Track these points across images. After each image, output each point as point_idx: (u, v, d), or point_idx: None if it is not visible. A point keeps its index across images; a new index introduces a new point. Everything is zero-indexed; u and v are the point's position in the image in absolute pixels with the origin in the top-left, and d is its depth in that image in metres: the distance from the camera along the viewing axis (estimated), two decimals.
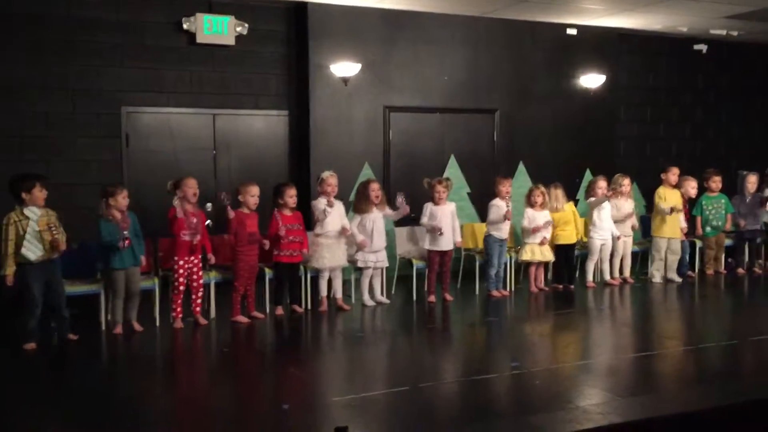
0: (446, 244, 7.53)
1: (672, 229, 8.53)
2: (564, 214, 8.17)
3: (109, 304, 6.44)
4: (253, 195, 6.79)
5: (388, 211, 7.45)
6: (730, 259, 9.36)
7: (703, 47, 10.99)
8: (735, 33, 10.49)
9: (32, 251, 5.77)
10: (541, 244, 7.94)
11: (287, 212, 7.00)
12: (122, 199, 6.28)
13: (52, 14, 7.78)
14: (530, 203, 8.00)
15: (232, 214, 6.64)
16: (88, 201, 7.38)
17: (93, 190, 7.54)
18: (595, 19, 9.69)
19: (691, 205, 9.01)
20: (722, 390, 4.86)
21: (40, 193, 5.84)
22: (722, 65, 11.41)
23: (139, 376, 5.43)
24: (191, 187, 6.52)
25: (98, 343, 6.18)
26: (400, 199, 7.29)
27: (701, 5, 8.90)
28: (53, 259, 5.92)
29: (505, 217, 7.67)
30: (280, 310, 7.03)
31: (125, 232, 6.23)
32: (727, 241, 9.27)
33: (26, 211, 5.80)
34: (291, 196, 7.00)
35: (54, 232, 5.81)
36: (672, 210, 8.37)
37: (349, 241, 7.32)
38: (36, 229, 5.80)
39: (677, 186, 8.67)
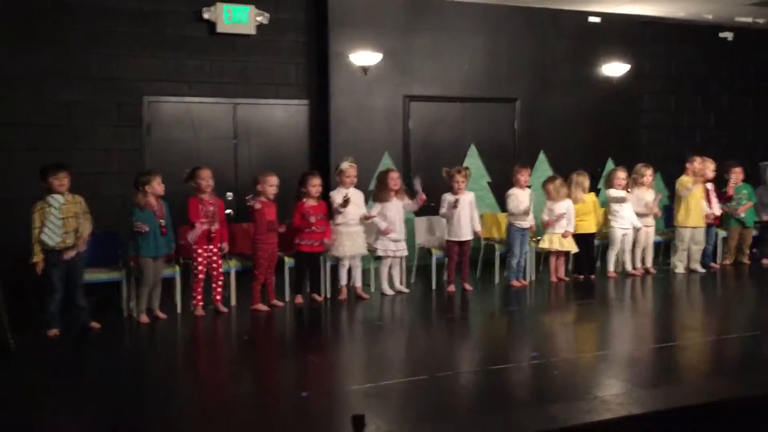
0: (465, 234, 7.51)
1: (695, 218, 8.42)
2: (584, 204, 8.11)
3: (132, 292, 6.51)
4: (271, 185, 6.81)
5: (407, 201, 7.43)
6: (755, 250, 9.24)
7: (729, 35, 10.82)
8: (761, 20, 10.31)
9: (51, 237, 5.85)
10: (564, 236, 7.89)
11: (311, 201, 7.01)
12: (158, 185, 6.33)
13: (73, 4, 7.84)
14: (548, 194, 7.94)
15: (258, 205, 6.67)
16: (110, 190, 7.48)
17: (115, 179, 7.65)
18: (618, 6, 9.57)
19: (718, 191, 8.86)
20: (744, 381, 4.80)
21: (55, 180, 5.91)
22: (748, 53, 11.22)
23: (160, 363, 5.49)
24: (204, 178, 6.56)
25: (120, 330, 6.26)
26: (417, 184, 7.29)
27: None
28: (74, 246, 5.98)
29: (525, 212, 7.65)
30: (299, 299, 7.06)
31: (162, 221, 6.28)
32: (753, 232, 9.15)
33: (50, 199, 5.91)
34: (314, 185, 7.00)
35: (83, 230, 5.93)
36: (693, 184, 8.23)
37: (368, 229, 7.33)
38: (58, 216, 5.88)
39: (700, 174, 8.54)
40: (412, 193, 7.44)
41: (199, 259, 6.55)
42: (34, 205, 5.88)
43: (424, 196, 7.35)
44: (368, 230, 7.36)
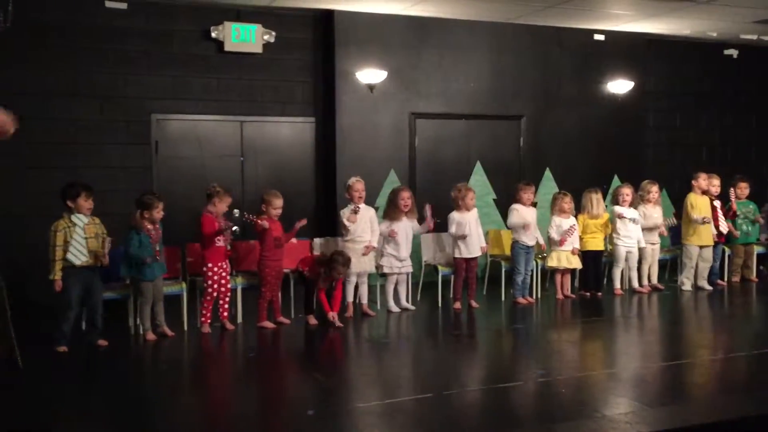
0: (474, 250, 7.53)
1: (704, 236, 8.41)
2: (599, 221, 8.09)
3: (137, 311, 6.51)
4: (276, 207, 6.81)
5: (416, 224, 7.43)
6: (761, 267, 9.21)
7: (734, 52, 10.85)
8: (766, 38, 10.34)
9: (77, 257, 5.94)
10: (573, 253, 7.89)
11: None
12: (157, 213, 6.35)
13: (83, 22, 7.93)
14: (558, 210, 7.94)
15: (266, 224, 6.68)
16: (119, 208, 7.49)
17: (123, 196, 7.68)
18: (623, 24, 9.62)
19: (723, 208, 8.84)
20: (753, 400, 4.78)
21: (85, 203, 6.02)
22: (753, 70, 11.24)
23: (166, 380, 5.49)
24: (227, 203, 6.64)
25: (127, 347, 6.26)
26: (428, 212, 7.30)
27: (730, 10, 8.80)
28: (93, 266, 6.06)
29: (525, 227, 7.66)
30: (312, 320, 6.95)
31: (156, 246, 6.30)
32: (759, 249, 9.13)
33: (73, 218, 5.99)
34: (339, 272, 6.83)
35: (102, 248, 6.02)
36: (704, 220, 8.25)
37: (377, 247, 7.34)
38: (82, 236, 5.97)
39: (706, 192, 8.54)
40: (421, 218, 7.46)
41: (215, 278, 6.58)
42: (57, 224, 5.94)
43: (432, 225, 7.38)
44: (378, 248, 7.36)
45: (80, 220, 6.00)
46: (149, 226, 6.31)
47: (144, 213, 6.29)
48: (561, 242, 7.87)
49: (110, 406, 4.78)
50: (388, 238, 7.27)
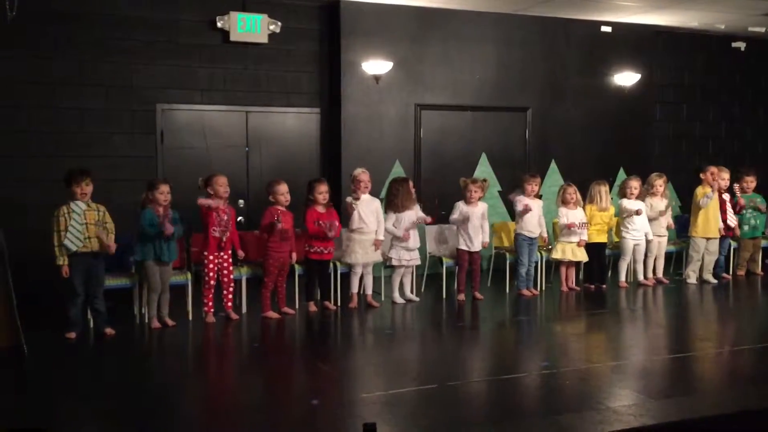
0: (476, 244, 7.51)
1: (711, 228, 8.38)
2: (606, 213, 8.06)
3: (144, 299, 6.53)
4: (282, 194, 6.80)
5: (419, 212, 7.42)
6: (767, 261, 9.18)
7: (741, 45, 10.78)
8: None
9: (73, 242, 5.95)
10: (579, 245, 7.87)
11: (320, 209, 7.01)
12: (159, 194, 6.33)
13: (88, 12, 7.92)
14: (563, 202, 7.92)
15: (285, 226, 6.68)
16: (123, 197, 7.51)
17: (128, 186, 7.70)
18: (631, 16, 9.57)
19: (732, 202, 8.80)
20: (756, 393, 4.77)
21: (77, 188, 6.03)
22: (761, 63, 11.18)
23: (171, 370, 5.51)
24: (222, 184, 6.59)
25: (132, 336, 6.28)
26: (425, 219, 7.35)
27: (739, 2, 8.74)
28: (97, 252, 6.07)
29: (525, 210, 7.61)
30: (312, 306, 7.06)
31: (167, 220, 6.29)
32: (765, 242, 9.10)
33: (72, 204, 6.03)
34: (320, 192, 7.02)
35: (104, 235, 6.05)
36: (711, 194, 8.19)
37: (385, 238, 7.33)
38: (80, 222, 5.99)
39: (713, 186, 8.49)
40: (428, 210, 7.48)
41: (210, 266, 6.58)
42: (58, 210, 6.00)
43: (429, 219, 7.40)
44: (384, 239, 7.35)
45: (78, 206, 6.02)
46: (159, 209, 6.31)
47: (148, 193, 6.34)
48: (570, 225, 7.81)
49: (113, 395, 4.79)
50: (400, 239, 7.27)
